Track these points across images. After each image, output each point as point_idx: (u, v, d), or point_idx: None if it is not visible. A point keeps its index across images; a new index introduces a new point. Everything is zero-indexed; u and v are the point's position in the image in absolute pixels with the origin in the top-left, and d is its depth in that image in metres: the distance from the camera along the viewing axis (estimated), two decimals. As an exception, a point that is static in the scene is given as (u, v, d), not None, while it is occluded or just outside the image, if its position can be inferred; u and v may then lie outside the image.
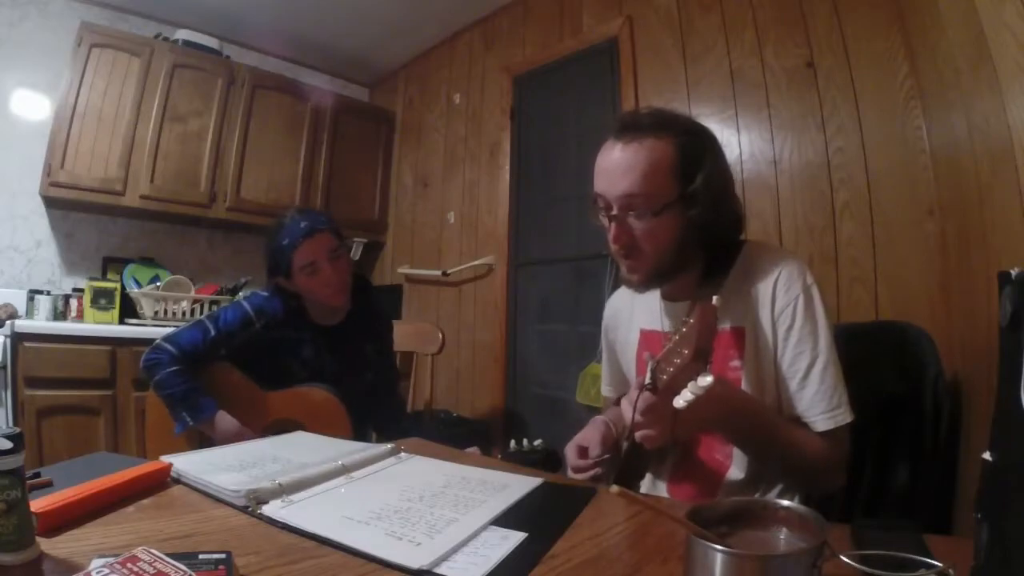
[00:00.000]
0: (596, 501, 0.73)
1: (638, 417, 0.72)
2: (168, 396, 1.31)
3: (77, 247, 2.83)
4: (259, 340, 1.41)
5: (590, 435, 0.97)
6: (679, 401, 0.65)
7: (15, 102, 2.65)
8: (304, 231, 1.37)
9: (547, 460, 1.10)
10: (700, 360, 0.65)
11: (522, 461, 1.08)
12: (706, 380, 0.63)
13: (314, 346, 1.46)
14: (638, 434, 0.73)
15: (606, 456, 0.93)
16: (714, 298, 0.69)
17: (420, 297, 3.31)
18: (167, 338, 1.36)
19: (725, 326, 0.90)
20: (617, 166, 0.87)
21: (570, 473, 0.95)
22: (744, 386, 0.89)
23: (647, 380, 0.71)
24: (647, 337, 1.03)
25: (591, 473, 0.92)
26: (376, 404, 1.55)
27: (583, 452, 0.95)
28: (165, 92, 2.74)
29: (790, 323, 0.86)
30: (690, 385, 0.64)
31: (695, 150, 0.88)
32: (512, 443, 1.10)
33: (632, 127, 0.87)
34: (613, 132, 0.89)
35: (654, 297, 1.01)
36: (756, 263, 0.92)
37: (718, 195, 0.88)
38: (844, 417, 0.83)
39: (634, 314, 1.07)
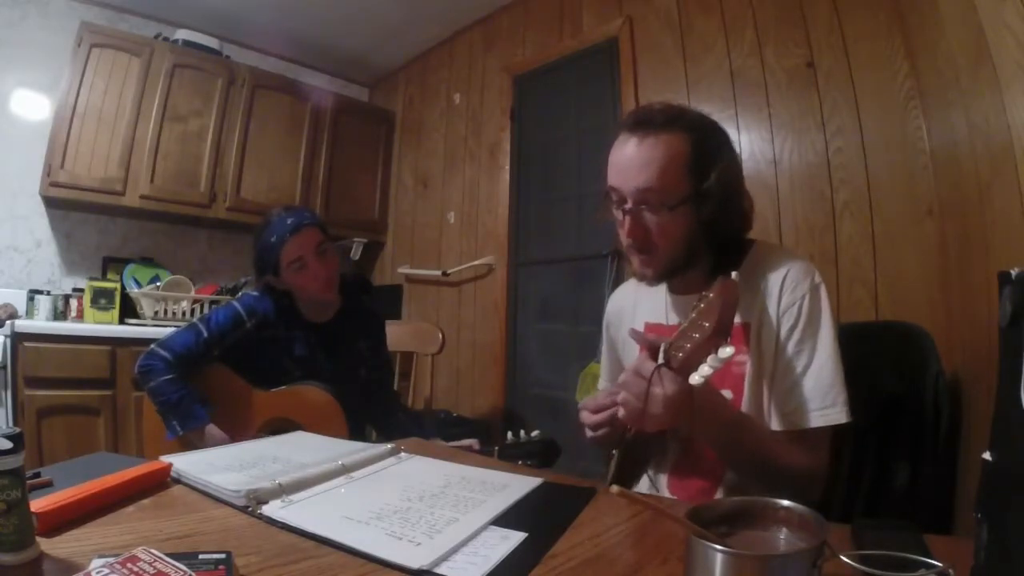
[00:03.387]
0: (596, 501, 0.73)
1: (630, 394, 0.72)
2: (162, 403, 1.31)
3: (77, 247, 2.83)
4: (252, 340, 1.42)
5: (601, 398, 0.95)
6: (696, 377, 0.65)
7: (15, 102, 2.65)
8: (291, 227, 1.38)
9: (546, 451, 1.09)
10: (722, 333, 0.65)
11: (520, 452, 1.08)
12: (727, 352, 0.63)
13: (306, 344, 1.46)
14: (619, 398, 0.73)
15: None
16: (733, 274, 0.69)
17: (420, 297, 3.31)
18: (161, 343, 1.37)
19: (735, 320, 0.90)
20: (633, 161, 0.87)
21: (584, 416, 0.90)
22: (747, 381, 0.89)
23: (660, 359, 0.70)
24: (652, 330, 1.03)
25: (609, 412, 0.86)
26: (372, 401, 1.55)
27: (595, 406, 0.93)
28: (165, 92, 2.74)
29: (794, 321, 0.87)
30: (709, 359, 0.64)
31: (709, 146, 0.89)
32: (509, 434, 1.09)
33: (646, 122, 0.88)
34: (627, 126, 0.90)
35: (660, 291, 1.02)
36: (765, 261, 0.93)
37: (730, 191, 0.89)
38: (838, 416, 0.83)
39: (638, 308, 1.07)
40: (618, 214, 0.91)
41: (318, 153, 3.26)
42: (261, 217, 1.48)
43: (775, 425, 0.87)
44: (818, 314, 0.86)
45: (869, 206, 1.63)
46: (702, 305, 0.69)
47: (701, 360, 0.65)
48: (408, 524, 0.61)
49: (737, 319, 0.90)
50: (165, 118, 2.74)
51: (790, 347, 0.87)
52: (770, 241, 1.02)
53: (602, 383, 1.19)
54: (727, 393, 0.89)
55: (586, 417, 0.91)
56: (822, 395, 0.83)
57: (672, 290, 1.00)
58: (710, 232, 0.89)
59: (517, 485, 0.77)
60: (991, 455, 0.41)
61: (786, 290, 0.88)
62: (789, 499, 0.84)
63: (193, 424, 1.30)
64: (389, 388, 1.68)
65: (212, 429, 1.32)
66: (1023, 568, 0.39)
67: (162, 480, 0.75)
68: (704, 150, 0.88)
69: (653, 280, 0.95)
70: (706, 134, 0.90)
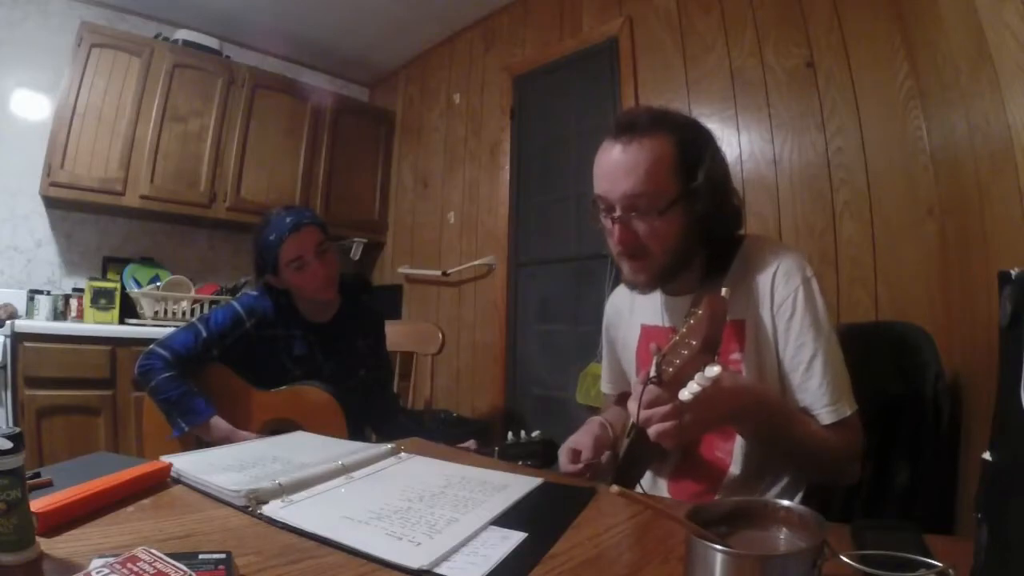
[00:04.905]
0: (596, 501, 0.73)
1: (645, 412, 0.72)
2: (163, 401, 1.31)
3: (77, 247, 2.83)
4: (251, 340, 1.42)
5: (582, 439, 0.97)
6: (684, 393, 0.65)
7: (15, 102, 2.65)
8: (290, 226, 1.38)
9: (546, 451, 1.09)
10: (709, 351, 0.65)
11: (520, 453, 1.08)
12: (713, 371, 0.63)
13: (306, 343, 1.46)
14: (652, 431, 0.71)
15: (596, 460, 0.93)
16: (723, 290, 0.69)
17: (420, 297, 3.31)
18: (160, 343, 1.37)
19: (728, 318, 0.90)
20: (618, 166, 0.86)
21: (563, 467, 0.96)
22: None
23: (652, 373, 0.70)
24: (648, 332, 1.03)
25: (582, 477, 0.93)
26: (371, 402, 1.55)
27: (576, 456, 0.95)
28: (165, 92, 2.74)
29: (790, 315, 0.86)
30: (697, 376, 0.64)
31: (694, 145, 0.88)
32: (509, 435, 1.10)
33: (629, 127, 0.87)
34: (610, 133, 0.89)
35: (655, 293, 1.02)
36: (756, 256, 0.92)
37: (719, 189, 0.88)
38: (846, 409, 0.83)
39: (635, 310, 1.07)
40: (607, 222, 0.90)
41: (318, 153, 3.26)
42: (261, 217, 1.48)
43: None
44: (813, 307, 0.86)
45: (869, 206, 1.63)
46: (691, 321, 0.69)
47: (690, 376, 0.65)
48: (408, 524, 0.61)
49: (730, 316, 0.89)
50: (165, 118, 2.74)
51: (791, 343, 0.86)
52: (761, 235, 1.02)
53: (604, 385, 1.20)
54: None
55: (563, 465, 0.94)
56: (831, 391, 0.83)
57: (665, 292, 1.00)
58: (703, 232, 0.89)
59: (517, 485, 0.77)
60: (991, 455, 0.41)
61: (778, 285, 0.88)
62: (831, 483, 0.83)
63: (198, 419, 1.30)
64: (389, 389, 1.68)
65: (217, 421, 1.32)
66: (1023, 568, 0.39)
67: (162, 480, 0.75)
68: (690, 149, 0.87)
69: (645, 287, 0.94)
70: (690, 133, 0.89)
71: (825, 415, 0.83)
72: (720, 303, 0.67)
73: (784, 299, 0.87)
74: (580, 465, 0.93)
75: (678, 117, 0.92)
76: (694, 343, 0.67)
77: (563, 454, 0.96)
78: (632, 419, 0.75)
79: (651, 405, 0.71)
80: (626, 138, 0.87)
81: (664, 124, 0.88)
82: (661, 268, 0.90)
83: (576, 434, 1.00)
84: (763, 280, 0.89)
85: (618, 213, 0.87)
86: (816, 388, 0.84)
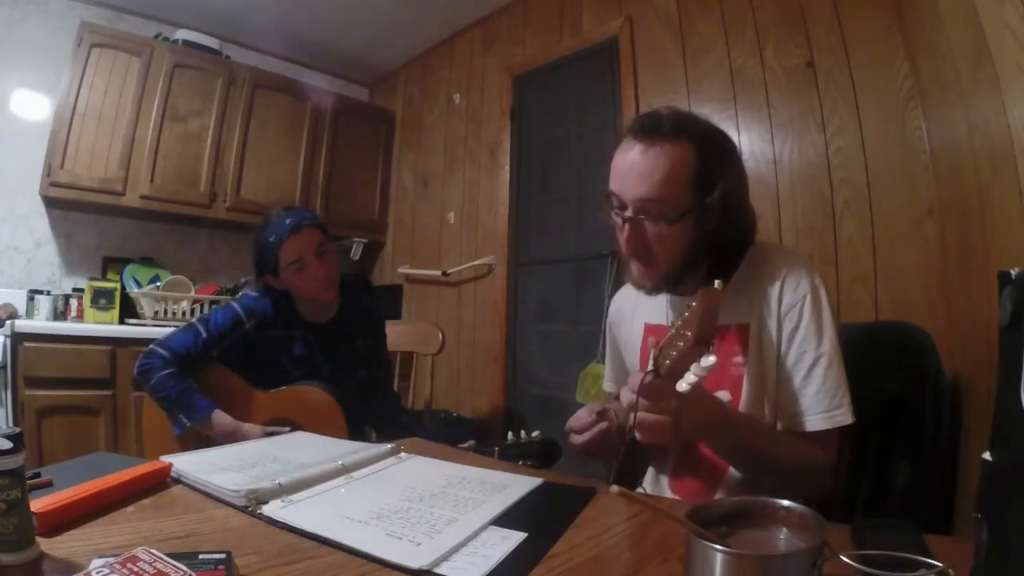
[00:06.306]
0: (596, 501, 0.73)
1: (640, 399, 0.71)
2: (164, 399, 1.31)
3: (77, 247, 2.83)
4: (251, 340, 1.42)
5: (581, 412, 0.95)
6: (682, 384, 0.65)
7: (15, 102, 2.65)
8: (290, 227, 1.38)
9: (546, 451, 1.09)
10: (703, 343, 0.66)
11: (520, 452, 1.08)
12: (709, 361, 0.64)
13: (305, 344, 1.46)
14: (644, 419, 0.71)
15: (604, 424, 0.90)
16: (716, 282, 0.69)
17: (420, 297, 3.31)
18: (160, 343, 1.37)
19: (730, 322, 0.91)
20: (636, 168, 0.85)
21: (573, 439, 0.92)
22: (747, 382, 0.89)
23: (650, 366, 0.71)
24: (651, 331, 1.03)
25: (595, 429, 0.88)
26: (371, 401, 1.55)
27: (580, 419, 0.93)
28: (165, 92, 2.74)
29: (796, 322, 0.87)
30: (693, 367, 0.65)
31: (715, 159, 0.87)
32: (509, 435, 1.09)
33: (653, 129, 0.86)
34: (633, 131, 0.88)
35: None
36: (764, 262, 0.92)
37: (732, 206, 0.87)
38: (844, 418, 0.83)
39: (637, 309, 1.08)
40: (617, 220, 0.90)
41: (318, 153, 3.26)
42: (261, 217, 1.48)
43: (780, 427, 0.87)
44: (820, 315, 0.86)
45: (869, 206, 1.63)
46: (687, 314, 0.70)
47: (686, 368, 0.66)
48: (408, 524, 0.61)
49: (736, 320, 0.90)
50: (165, 118, 2.74)
51: (794, 349, 0.86)
52: (768, 241, 1.01)
53: (607, 383, 1.20)
54: (724, 394, 0.89)
55: (575, 439, 0.91)
56: (829, 397, 0.83)
57: (671, 292, 1.00)
58: (710, 244, 0.88)
59: (517, 485, 0.77)
60: (991, 455, 0.41)
61: (786, 291, 0.88)
62: (799, 493, 0.83)
63: (199, 414, 1.31)
64: (389, 389, 1.68)
65: (219, 415, 1.32)
66: (1023, 568, 0.39)
67: (162, 480, 0.75)
68: (710, 163, 0.86)
69: (652, 290, 0.94)
70: (713, 146, 0.88)
71: (818, 421, 0.83)
72: (713, 296, 0.67)
73: (792, 306, 0.87)
74: (593, 418, 0.89)
75: (703, 125, 0.90)
76: (689, 335, 0.67)
77: (572, 420, 0.93)
78: (626, 410, 0.75)
79: (645, 392, 0.71)
80: (648, 140, 0.85)
81: (687, 132, 0.86)
82: (666, 273, 0.90)
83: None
84: (771, 286, 0.89)
85: (629, 214, 0.87)
86: (813, 394, 0.84)
